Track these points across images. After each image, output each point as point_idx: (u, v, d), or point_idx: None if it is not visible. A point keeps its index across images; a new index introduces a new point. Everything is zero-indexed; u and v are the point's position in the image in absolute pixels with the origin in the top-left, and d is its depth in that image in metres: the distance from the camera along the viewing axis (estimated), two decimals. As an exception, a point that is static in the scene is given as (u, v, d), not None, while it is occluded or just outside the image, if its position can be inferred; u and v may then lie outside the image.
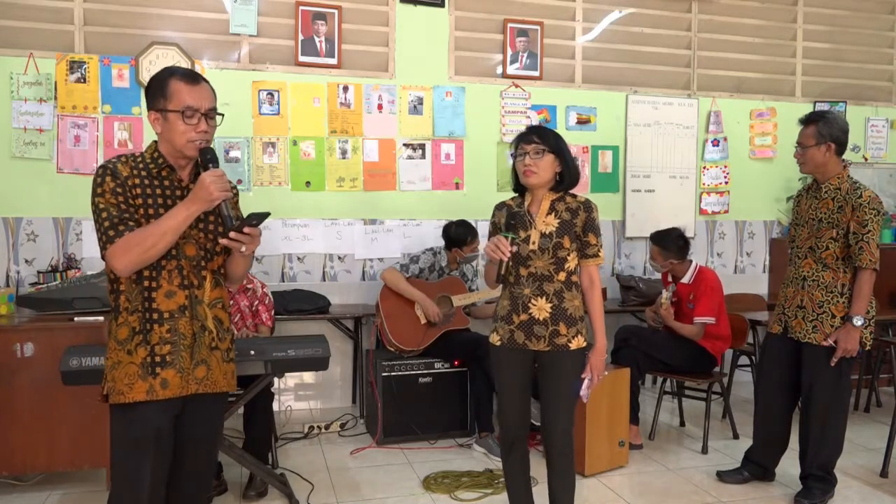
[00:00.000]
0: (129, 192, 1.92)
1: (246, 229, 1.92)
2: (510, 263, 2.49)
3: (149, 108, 1.99)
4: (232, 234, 1.91)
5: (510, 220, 2.48)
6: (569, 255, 2.52)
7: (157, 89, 1.96)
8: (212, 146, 2.01)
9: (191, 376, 1.98)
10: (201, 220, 2.00)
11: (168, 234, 1.88)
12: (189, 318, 1.98)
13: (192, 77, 1.99)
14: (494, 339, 2.60)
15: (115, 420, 1.97)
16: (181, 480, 2.04)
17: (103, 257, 1.91)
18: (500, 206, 2.68)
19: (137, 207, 1.93)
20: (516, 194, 2.68)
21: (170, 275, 1.96)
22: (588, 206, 2.56)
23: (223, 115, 2.04)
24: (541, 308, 2.50)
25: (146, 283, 1.94)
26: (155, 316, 1.94)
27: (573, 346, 2.52)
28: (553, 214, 2.54)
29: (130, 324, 1.94)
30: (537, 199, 2.58)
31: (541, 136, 2.52)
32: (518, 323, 2.53)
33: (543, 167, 2.50)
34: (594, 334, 2.58)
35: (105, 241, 1.88)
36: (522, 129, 4.86)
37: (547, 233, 2.50)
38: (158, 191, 1.97)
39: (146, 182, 1.96)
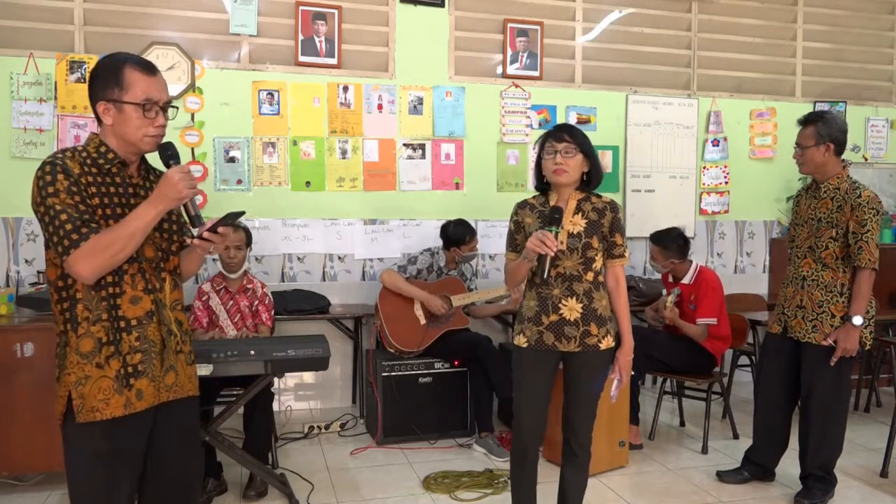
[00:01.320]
0: (84, 190, 1.77)
1: (220, 229, 1.84)
2: (553, 259, 2.42)
3: (98, 98, 1.82)
4: (206, 235, 1.82)
5: (554, 213, 2.41)
6: (597, 255, 2.50)
7: (111, 77, 1.80)
8: (171, 141, 1.90)
9: (162, 384, 1.89)
10: None
11: (136, 236, 1.76)
12: (157, 324, 1.88)
13: (149, 67, 1.85)
14: (521, 340, 2.56)
15: (83, 439, 1.80)
16: (166, 491, 1.96)
17: (61, 263, 1.76)
18: (522, 205, 2.63)
19: (94, 208, 1.78)
20: (538, 193, 2.64)
21: (133, 279, 1.84)
22: (614, 207, 2.55)
23: (177, 108, 1.92)
24: (571, 308, 2.48)
25: (110, 290, 1.80)
26: (122, 324, 1.82)
27: (603, 346, 2.51)
28: (580, 214, 2.51)
29: (94, 335, 1.79)
30: (563, 198, 2.55)
31: (572, 135, 2.49)
32: (548, 324, 2.50)
33: (573, 166, 2.48)
34: (621, 334, 2.56)
35: (67, 246, 1.71)
36: (523, 128, 4.98)
37: (575, 233, 2.48)
38: (112, 189, 1.83)
39: (98, 180, 1.81)
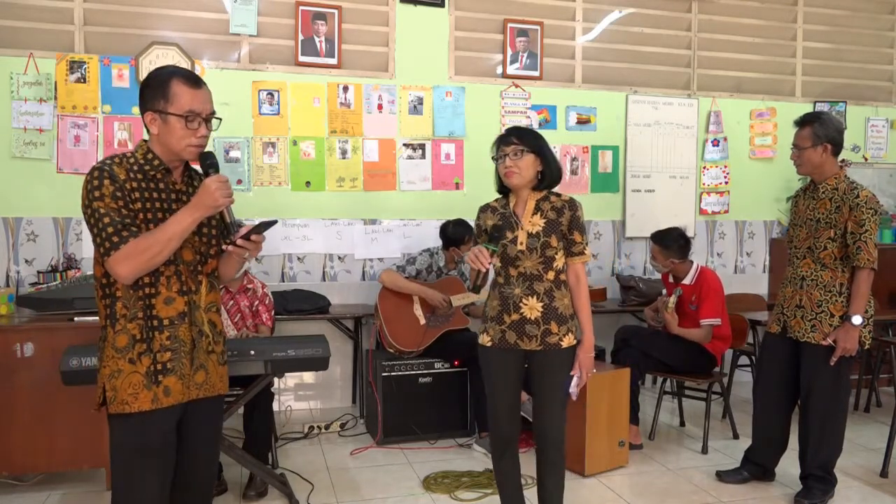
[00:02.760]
0: (127, 196, 1.87)
1: (253, 237, 1.92)
2: (486, 275, 2.50)
3: (145, 108, 1.93)
4: (239, 242, 1.91)
5: (494, 232, 2.50)
6: (556, 253, 2.54)
7: (158, 89, 1.90)
8: (211, 151, 1.99)
9: (191, 382, 1.98)
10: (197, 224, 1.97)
11: (173, 241, 1.86)
12: (188, 325, 1.97)
13: (195, 80, 1.94)
14: (485, 339, 2.61)
15: (117, 430, 1.93)
16: (184, 486, 2.04)
17: (103, 264, 1.86)
18: (483, 209, 2.70)
19: (136, 212, 1.88)
20: (500, 196, 2.69)
21: (168, 281, 1.93)
22: (573, 205, 2.58)
23: (221, 119, 2.00)
24: (532, 307, 2.52)
25: (146, 290, 1.90)
26: (155, 323, 1.91)
27: (564, 344, 2.54)
28: (539, 214, 2.55)
29: (130, 331, 1.90)
30: (522, 199, 2.60)
31: (519, 137, 2.54)
32: (509, 323, 2.54)
33: (524, 167, 2.52)
34: (582, 331, 2.59)
35: (109, 248, 1.82)
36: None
37: (534, 232, 2.52)
38: (155, 194, 1.93)
39: (143, 185, 1.91)
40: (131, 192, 1.88)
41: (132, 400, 1.89)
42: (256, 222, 1.97)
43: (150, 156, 1.94)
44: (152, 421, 1.91)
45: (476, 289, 2.51)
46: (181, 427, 1.99)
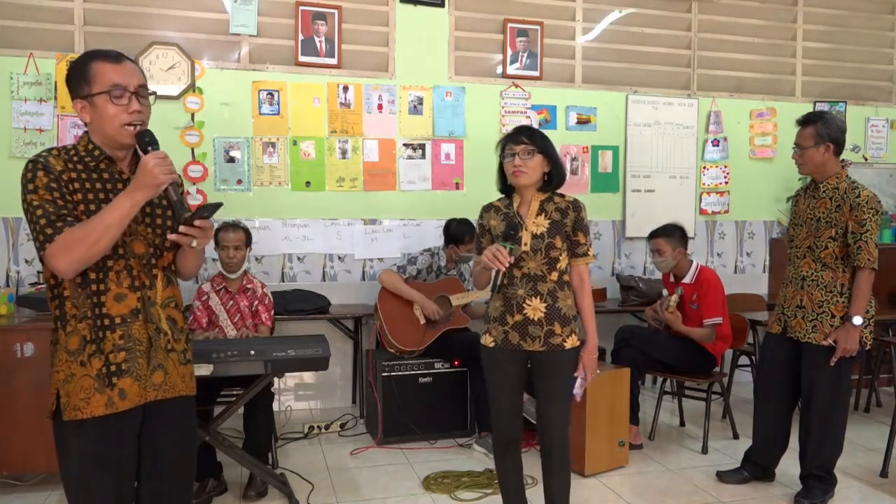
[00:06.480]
0: (64, 187, 1.75)
1: (197, 222, 1.76)
2: (505, 274, 2.49)
3: (73, 98, 1.82)
4: (182, 229, 1.76)
5: (509, 230, 2.47)
6: (560, 254, 2.54)
7: (79, 75, 1.80)
8: (149, 129, 1.83)
9: (148, 383, 1.84)
10: (149, 213, 1.86)
11: (112, 228, 1.71)
12: (143, 322, 1.83)
13: (114, 56, 1.82)
14: (487, 340, 2.61)
15: (68, 437, 1.79)
16: (156, 492, 1.92)
17: (41, 259, 1.75)
18: (487, 208, 2.68)
19: (76, 203, 1.76)
20: (503, 195, 2.68)
21: (118, 276, 1.80)
22: (577, 206, 2.58)
23: (155, 93, 1.87)
24: (535, 308, 2.51)
25: (93, 287, 1.78)
26: (106, 322, 1.78)
27: (568, 345, 2.53)
28: (543, 215, 2.55)
29: (80, 332, 1.78)
30: (526, 199, 2.59)
31: (530, 137, 2.53)
32: (512, 324, 2.54)
33: (533, 167, 2.52)
34: (586, 333, 2.59)
35: (43, 241, 1.70)
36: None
37: (538, 233, 2.52)
38: (98, 185, 1.80)
39: (83, 176, 1.79)
40: (70, 183, 1.76)
41: (84, 405, 1.76)
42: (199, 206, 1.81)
43: (90, 146, 1.83)
44: (109, 428, 1.78)
45: (498, 289, 2.48)
46: (144, 432, 1.86)
